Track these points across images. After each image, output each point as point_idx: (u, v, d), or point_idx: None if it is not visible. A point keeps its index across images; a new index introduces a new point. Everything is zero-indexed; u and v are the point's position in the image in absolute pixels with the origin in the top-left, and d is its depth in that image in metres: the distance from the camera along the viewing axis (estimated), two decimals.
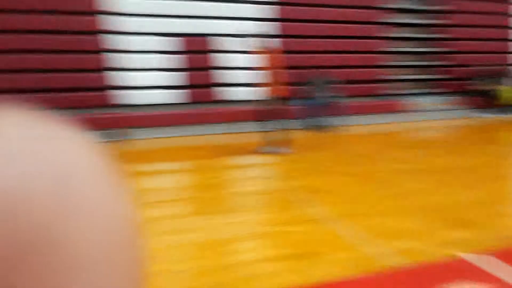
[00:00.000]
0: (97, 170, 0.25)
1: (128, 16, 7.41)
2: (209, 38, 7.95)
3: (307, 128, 8.18)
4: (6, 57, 6.70)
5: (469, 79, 10.67)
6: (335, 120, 8.16)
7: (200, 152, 6.56)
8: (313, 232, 3.48)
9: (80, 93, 7.23)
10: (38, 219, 0.21)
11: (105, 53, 7.31)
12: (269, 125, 6.16)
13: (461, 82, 10.49)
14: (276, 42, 8.16)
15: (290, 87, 6.21)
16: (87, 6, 7.15)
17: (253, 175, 5.68)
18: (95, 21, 7.20)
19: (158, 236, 3.67)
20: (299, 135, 7.75)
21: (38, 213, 0.21)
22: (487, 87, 10.49)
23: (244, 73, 7.75)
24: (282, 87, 5.95)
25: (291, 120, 7.69)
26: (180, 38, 7.73)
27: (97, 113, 7.26)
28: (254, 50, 5.94)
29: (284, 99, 6.04)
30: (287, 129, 6.33)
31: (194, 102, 7.92)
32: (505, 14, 11.38)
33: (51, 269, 0.21)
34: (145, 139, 7.40)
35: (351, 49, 9.01)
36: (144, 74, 7.54)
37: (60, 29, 7.02)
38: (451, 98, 10.16)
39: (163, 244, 3.48)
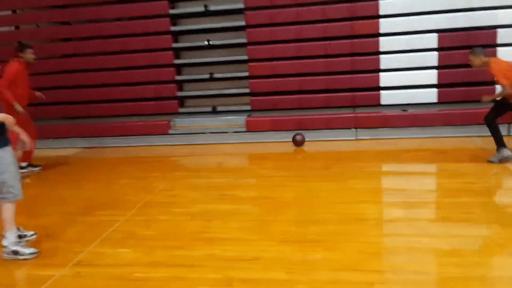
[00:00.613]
0: None
1: (400, 16, 7.55)
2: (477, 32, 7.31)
3: None
4: (313, 61, 7.90)
5: None
6: None
7: (455, 155, 6.09)
8: None
9: (354, 93, 7.81)
10: None
11: (379, 54, 7.66)
12: None
13: None
14: None
15: None
16: (370, 11, 7.64)
17: None
18: (374, 24, 7.63)
19: (400, 237, 3.68)
20: None
21: None
22: None
23: None
24: None
25: None
26: (445, 33, 7.39)
27: (366, 112, 7.67)
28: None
29: None
30: None
31: (462, 101, 7.41)
32: None
33: None
34: (399, 138, 7.35)
35: None
36: (413, 73, 7.53)
37: (345, 34, 7.77)
38: None
39: (405, 245, 3.46)
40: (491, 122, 5.57)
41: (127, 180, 5.97)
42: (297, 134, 7.29)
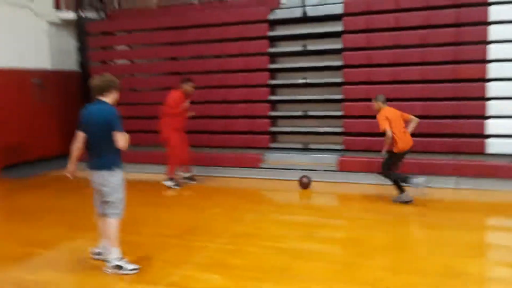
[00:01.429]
0: None
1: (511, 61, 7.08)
2: None
3: None
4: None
5: None
6: None
7: None
8: None
9: (455, 139, 7.40)
10: None
11: (486, 100, 7.21)
12: None
13: None
14: None
15: None
16: (477, 55, 7.27)
17: None
18: (480, 69, 7.23)
19: None
20: None
21: None
22: None
23: None
24: None
25: None
26: None
27: (469, 160, 7.20)
28: None
29: None
30: None
31: None
32: None
33: None
34: (507, 191, 6.72)
35: None
36: None
37: (447, 78, 7.43)
38: None
39: None
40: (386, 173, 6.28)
41: (219, 209, 6.15)
42: (303, 176, 7.24)
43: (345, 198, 6.98)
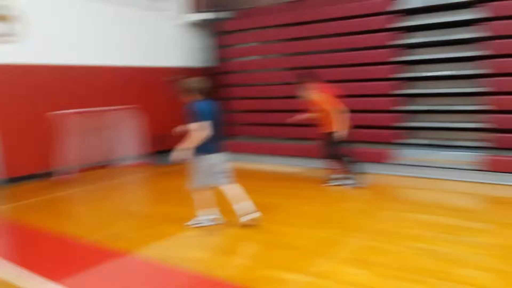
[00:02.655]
0: None
1: None
2: None
3: None
4: None
5: None
6: None
7: None
8: None
9: None
10: None
11: None
12: None
13: None
14: None
15: None
16: None
17: None
18: None
19: None
20: None
21: None
22: None
23: None
24: None
25: None
26: None
27: None
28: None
29: None
30: None
31: None
32: None
33: None
34: None
35: None
36: None
37: None
38: None
39: None
40: None
41: (353, 204, 6.06)
42: None
43: (493, 200, 6.33)
